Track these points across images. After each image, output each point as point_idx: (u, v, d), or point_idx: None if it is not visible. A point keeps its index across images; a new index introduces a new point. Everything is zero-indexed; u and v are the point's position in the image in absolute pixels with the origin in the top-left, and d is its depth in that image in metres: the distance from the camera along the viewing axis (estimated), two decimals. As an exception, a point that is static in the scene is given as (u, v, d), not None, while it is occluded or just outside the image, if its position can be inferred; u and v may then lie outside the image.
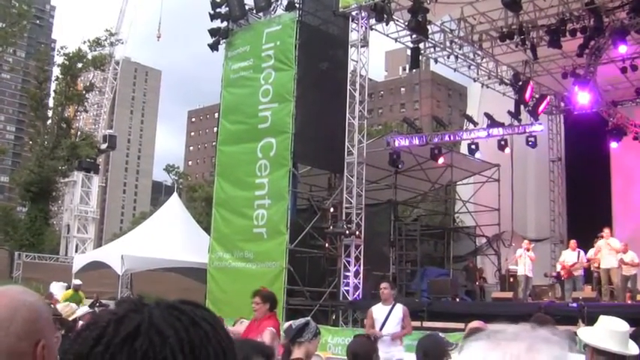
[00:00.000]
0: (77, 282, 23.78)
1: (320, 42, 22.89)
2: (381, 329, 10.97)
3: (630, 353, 4.67)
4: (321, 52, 22.82)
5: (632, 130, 28.03)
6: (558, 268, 22.54)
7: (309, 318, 6.51)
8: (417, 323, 16.40)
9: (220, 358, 1.31)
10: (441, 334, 9.14)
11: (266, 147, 22.06)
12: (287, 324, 6.48)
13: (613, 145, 28.18)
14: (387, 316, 11.05)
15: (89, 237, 53.56)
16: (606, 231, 20.62)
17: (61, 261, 43.60)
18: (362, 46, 22.59)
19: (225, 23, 24.36)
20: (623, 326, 4.98)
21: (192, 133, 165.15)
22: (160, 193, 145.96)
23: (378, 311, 11.24)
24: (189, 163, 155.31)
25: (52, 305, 9.86)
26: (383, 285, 11.59)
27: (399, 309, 11.17)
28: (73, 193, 53.63)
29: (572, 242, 22.15)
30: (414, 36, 24.60)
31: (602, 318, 5.23)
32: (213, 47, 24.58)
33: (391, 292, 11.42)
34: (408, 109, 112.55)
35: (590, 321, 6.10)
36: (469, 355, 1.23)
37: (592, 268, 21.51)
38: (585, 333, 5.23)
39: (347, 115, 21.95)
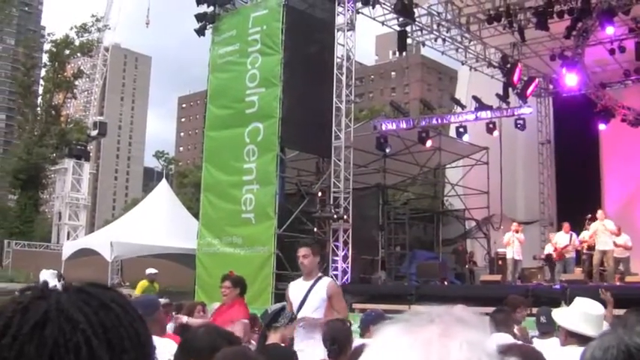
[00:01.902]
0: (152, 271, 20.03)
1: (307, 26, 22.76)
2: (297, 312, 7.56)
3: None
4: (307, 36, 22.70)
5: (620, 112, 27.99)
6: (548, 249, 22.61)
7: (284, 303, 6.50)
8: (405, 307, 16.38)
9: (134, 339, 1.27)
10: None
11: (253, 132, 21.96)
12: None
13: (601, 127, 28.20)
14: (306, 294, 7.83)
15: (81, 224, 53.47)
16: (600, 213, 20.70)
17: (51, 249, 43.55)
18: (348, 30, 22.49)
19: (211, 8, 24.23)
20: (597, 309, 4.97)
21: (183, 119, 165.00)
22: (151, 180, 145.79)
23: (296, 289, 8.03)
24: (180, 149, 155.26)
25: None
26: (302, 252, 7.99)
27: (323, 285, 7.88)
28: (64, 180, 53.49)
29: (566, 225, 22.22)
30: (400, 19, 24.50)
31: (577, 300, 5.20)
32: (200, 32, 24.43)
33: (314, 260, 8.02)
34: (399, 93, 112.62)
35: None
36: (379, 340, 1.18)
37: (583, 250, 21.60)
38: (559, 315, 5.21)
39: (334, 99, 21.90)
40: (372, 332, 6.64)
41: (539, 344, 6.61)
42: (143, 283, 19.62)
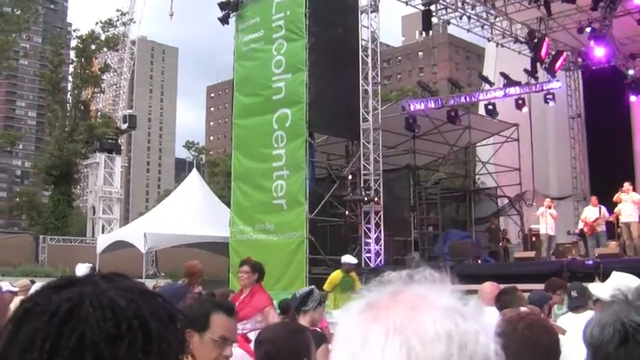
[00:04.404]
0: (349, 260, 16.31)
1: (330, 9, 22.69)
2: None
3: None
4: (331, 20, 22.63)
5: (651, 82, 27.62)
6: (580, 225, 22.43)
7: (313, 287, 6.50)
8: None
9: (167, 323, 1.26)
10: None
11: (281, 118, 22.00)
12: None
13: (632, 98, 27.80)
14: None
15: (115, 217, 53.78)
16: (626, 185, 20.45)
17: (86, 243, 43.96)
18: (372, 12, 22.43)
19: (234, -4, 24.24)
20: (633, 282, 4.93)
21: (212, 109, 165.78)
22: (183, 170, 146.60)
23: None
24: (211, 138, 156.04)
25: None
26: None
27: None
28: (96, 174, 53.81)
29: (594, 198, 22.06)
30: (424, -2, 24.34)
31: (614, 274, 5.19)
32: (224, 21, 24.48)
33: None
34: (427, 73, 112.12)
35: (607, 277, 6.05)
36: (348, 333, 1.13)
37: (618, 223, 21.36)
38: (597, 288, 5.20)
39: (361, 81, 21.85)
40: None
41: (573, 319, 6.56)
42: (335, 275, 16.10)
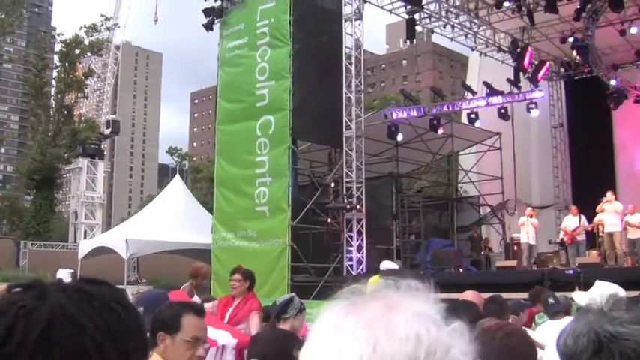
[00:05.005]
0: (390, 266, 15.75)
1: (314, 17, 22.70)
2: None
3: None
4: (316, 28, 22.63)
5: (632, 93, 27.78)
6: (561, 234, 22.54)
7: (293, 294, 6.50)
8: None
9: (137, 337, 1.26)
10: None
11: (265, 125, 21.96)
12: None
13: (614, 108, 27.94)
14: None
15: (97, 223, 53.54)
16: (609, 195, 20.55)
17: (68, 248, 43.75)
18: (356, 19, 22.45)
19: (219, 2, 24.20)
20: (616, 291, 4.94)
21: (196, 115, 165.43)
22: (166, 176, 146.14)
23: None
24: (194, 144, 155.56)
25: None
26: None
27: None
28: (78, 179, 53.58)
29: (573, 208, 22.28)
30: (408, 7, 24.40)
31: (597, 283, 5.23)
32: (208, 27, 24.44)
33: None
34: (411, 82, 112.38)
35: (587, 287, 6.09)
36: (323, 323, 1.16)
37: (599, 233, 21.45)
38: (581, 296, 5.24)
39: (344, 89, 21.87)
40: None
41: (554, 326, 6.58)
42: (374, 279, 14.66)
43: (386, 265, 15.95)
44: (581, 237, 21.49)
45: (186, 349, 3.59)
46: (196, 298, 9.24)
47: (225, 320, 7.95)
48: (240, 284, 8.48)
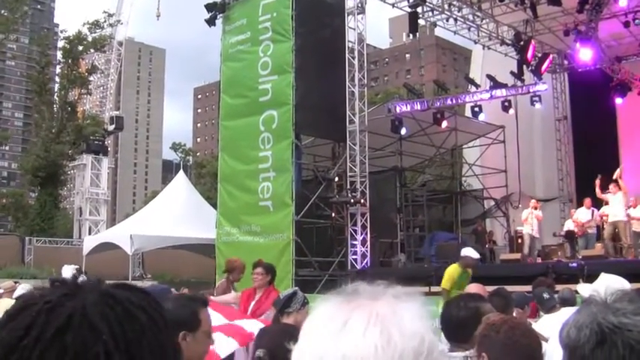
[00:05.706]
0: (470, 254, 13.38)
1: (317, 11, 22.66)
2: None
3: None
4: (318, 22, 22.60)
5: (636, 85, 27.73)
6: (568, 225, 22.51)
7: (296, 288, 6.52)
8: (426, 288, 16.47)
9: (156, 353, 1.23)
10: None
11: (268, 119, 21.95)
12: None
13: (618, 101, 27.87)
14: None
15: (102, 219, 53.66)
16: (611, 187, 20.52)
17: (72, 244, 43.85)
18: (359, 13, 22.40)
19: (221, -3, 24.19)
20: (622, 284, 4.94)
21: (199, 110, 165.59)
22: (170, 172, 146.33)
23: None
24: (198, 139, 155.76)
25: None
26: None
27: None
28: (83, 176, 53.68)
29: (587, 200, 22.20)
30: (410, 0, 24.33)
31: (602, 275, 5.21)
32: (210, 22, 24.40)
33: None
34: (414, 75, 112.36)
35: (591, 279, 6.07)
36: (326, 316, 1.21)
37: (603, 225, 21.46)
38: (585, 289, 5.22)
39: (347, 83, 21.85)
40: None
41: (552, 319, 6.57)
42: (455, 269, 13.26)
43: (467, 252, 13.95)
44: (592, 230, 21.52)
45: (207, 342, 3.77)
46: (233, 294, 9.38)
47: (249, 313, 8.25)
48: (262, 277, 8.87)
